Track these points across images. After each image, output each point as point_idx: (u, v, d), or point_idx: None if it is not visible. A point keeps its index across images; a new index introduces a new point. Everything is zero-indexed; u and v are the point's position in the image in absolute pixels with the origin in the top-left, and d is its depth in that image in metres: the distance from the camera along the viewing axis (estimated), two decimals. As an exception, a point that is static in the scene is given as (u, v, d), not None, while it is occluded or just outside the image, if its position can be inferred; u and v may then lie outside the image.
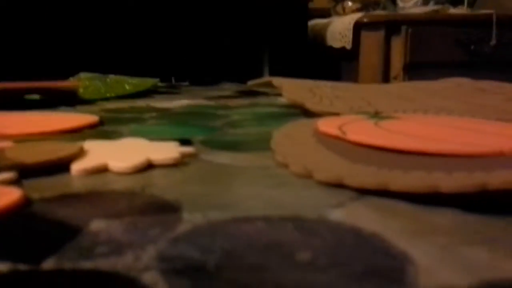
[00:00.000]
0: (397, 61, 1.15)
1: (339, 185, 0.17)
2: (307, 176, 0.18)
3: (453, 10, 1.20)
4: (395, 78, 1.15)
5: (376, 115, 0.27)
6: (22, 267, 0.11)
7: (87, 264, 0.11)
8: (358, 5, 1.26)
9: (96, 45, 0.92)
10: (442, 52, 1.15)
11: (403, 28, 1.13)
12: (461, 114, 0.29)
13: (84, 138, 0.24)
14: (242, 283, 0.10)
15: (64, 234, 0.13)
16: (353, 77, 1.17)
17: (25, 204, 0.15)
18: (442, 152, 0.18)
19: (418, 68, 1.13)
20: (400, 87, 0.45)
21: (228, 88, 0.60)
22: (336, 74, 1.22)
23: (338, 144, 0.21)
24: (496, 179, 0.14)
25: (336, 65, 1.25)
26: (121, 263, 0.11)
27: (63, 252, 0.12)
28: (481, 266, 0.11)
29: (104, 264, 0.11)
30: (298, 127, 0.25)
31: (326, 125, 0.23)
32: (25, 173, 0.18)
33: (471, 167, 0.16)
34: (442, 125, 0.24)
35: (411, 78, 1.12)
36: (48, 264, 0.11)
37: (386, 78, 1.16)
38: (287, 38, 1.09)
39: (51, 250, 0.12)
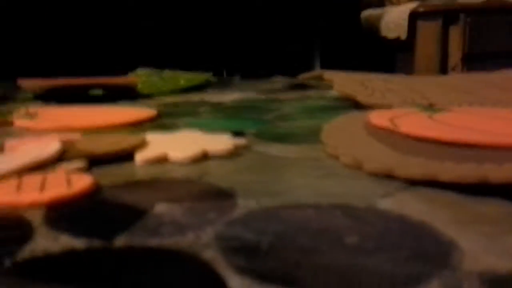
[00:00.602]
0: (455, 52, 1.11)
1: (389, 176, 0.17)
2: (357, 167, 0.18)
3: (514, -2, 1.15)
4: (453, 69, 1.12)
5: (430, 108, 0.27)
6: (96, 244, 0.12)
7: (153, 242, 0.12)
8: (413, -6, 1.22)
9: (152, 41, 0.95)
10: (503, 42, 1.10)
11: (462, 17, 1.09)
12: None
13: (145, 130, 0.25)
14: (293, 263, 0.11)
15: (131, 216, 0.14)
16: (409, 69, 1.14)
17: (96, 189, 0.17)
18: (494, 144, 0.18)
19: (477, 59, 1.09)
20: (456, 79, 0.44)
21: (279, 81, 0.60)
22: (390, 66, 1.20)
23: (389, 137, 0.21)
24: None
25: (390, 56, 1.22)
26: (184, 241, 0.12)
27: (132, 231, 0.13)
28: (526, 253, 0.11)
29: (168, 242, 0.12)
30: (349, 119, 0.25)
31: (378, 118, 0.24)
32: (94, 162, 0.20)
33: (522, 158, 0.16)
34: (497, 117, 0.24)
35: (470, 69, 1.08)
36: (119, 241, 0.13)
37: (443, 69, 1.12)
38: (340, 30, 1.08)
39: (121, 229, 0.13)
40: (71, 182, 0.16)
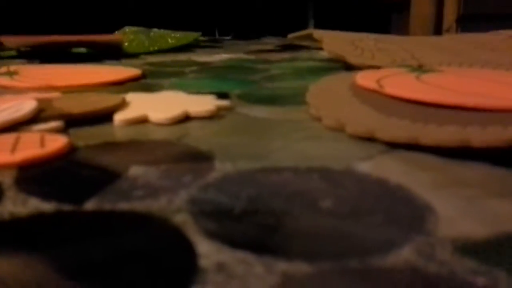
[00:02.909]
0: (450, 13, 1.10)
1: (371, 139, 0.17)
2: (340, 129, 0.18)
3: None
4: (448, 31, 1.10)
5: (419, 68, 0.27)
6: (66, 207, 0.12)
7: (124, 206, 0.12)
8: (410, -47, 1.19)
9: (141, 0, 0.93)
10: (498, 4, 1.08)
11: (458, -23, 1.07)
12: (509, 68, 0.28)
13: (127, 91, 0.25)
14: (266, 227, 0.11)
15: (104, 178, 0.14)
16: (403, 30, 1.13)
17: (71, 150, 0.16)
18: (480, 107, 0.18)
19: (473, 20, 1.07)
20: (447, 40, 0.43)
21: (270, 42, 0.59)
22: (385, 27, 1.18)
23: (375, 98, 0.21)
24: None
25: (385, 17, 1.21)
26: (155, 205, 0.12)
27: (103, 194, 0.13)
28: (503, 218, 0.11)
29: (140, 205, 0.12)
30: (336, 80, 0.25)
31: (364, 79, 0.23)
32: (71, 122, 0.19)
33: (508, 122, 0.15)
34: (485, 79, 0.23)
35: (464, 31, 1.07)
36: (90, 205, 0.12)
37: (438, 31, 1.11)
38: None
39: (93, 192, 0.13)
40: (44, 142, 0.16)
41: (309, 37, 0.40)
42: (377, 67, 0.28)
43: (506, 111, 0.17)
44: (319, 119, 0.19)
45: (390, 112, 0.18)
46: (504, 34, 0.43)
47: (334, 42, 0.36)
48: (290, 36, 0.46)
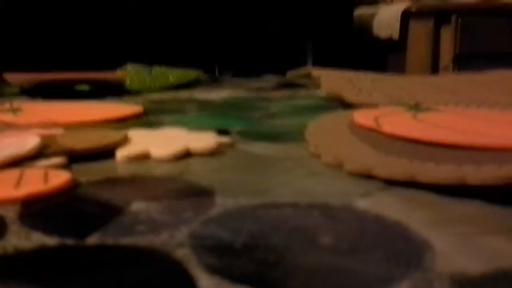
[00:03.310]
0: (446, 52, 1.12)
1: (369, 176, 0.17)
2: (338, 166, 0.18)
3: (506, -1, 1.16)
4: (444, 69, 1.12)
5: (415, 107, 0.27)
6: (68, 241, 0.12)
7: (127, 240, 0.12)
8: (406, -6, 1.23)
9: (143, 37, 0.95)
10: (494, 43, 1.11)
11: (453, 17, 1.10)
12: (504, 107, 0.29)
13: (129, 127, 0.25)
14: (265, 263, 0.11)
15: (107, 213, 0.14)
16: (400, 69, 1.14)
17: (73, 186, 0.16)
18: (475, 145, 0.18)
19: (469, 60, 1.09)
20: (444, 79, 0.44)
21: (270, 80, 0.60)
22: (382, 65, 1.20)
23: (373, 136, 0.21)
24: None
25: (382, 56, 1.23)
26: (158, 240, 0.12)
27: (106, 229, 0.13)
28: (499, 254, 0.11)
29: (142, 240, 0.12)
30: (334, 118, 0.25)
31: (362, 117, 0.24)
32: (74, 158, 0.20)
33: (503, 160, 0.16)
34: (481, 118, 0.24)
35: (461, 70, 1.08)
36: (92, 239, 0.12)
37: (435, 69, 1.13)
38: (332, 28, 1.08)
39: (95, 227, 0.13)
40: (48, 178, 0.16)
41: (308, 75, 0.41)
42: (374, 105, 0.29)
43: (501, 149, 0.17)
44: (318, 156, 0.20)
45: (387, 150, 0.19)
46: (497, 74, 0.44)
47: (331, 80, 0.37)
48: (289, 74, 0.47)
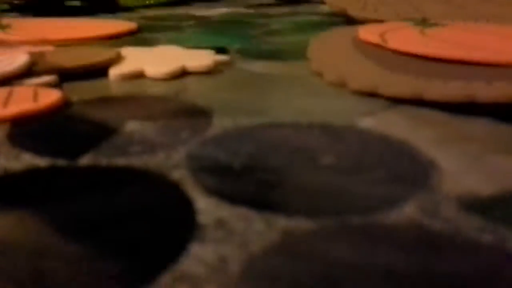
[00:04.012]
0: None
1: (374, 95, 0.16)
2: (342, 85, 0.17)
3: None
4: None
5: (423, 22, 0.26)
6: (60, 162, 0.12)
7: (121, 161, 0.12)
8: None
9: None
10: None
11: None
12: (515, 22, 0.27)
13: (122, 45, 0.24)
14: (265, 183, 0.11)
15: (100, 133, 0.14)
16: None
17: (65, 105, 0.16)
18: (486, 61, 0.17)
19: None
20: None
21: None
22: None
23: (378, 53, 0.20)
24: None
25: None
26: (153, 161, 0.12)
27: (99, 150, 0.12)
28: (509, 174, 0.11)
29: (137, 161, 0.12)
30: (338, 35, 0.24)
31: (367, 33, 0.22)
32: (65, 76, 0.19)
33: (512, 76, 0.15)
34: (491, 33, 0.23)
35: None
36: (85, 160, 0.12)
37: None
38: None
39: (88, 148, 0.13)
40: (38, 97, 0.16)
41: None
42: (380, 21, 0.28)
43: (510, 66, 0.17)
44: (320, 75, 0.19)
45: (393, 67, 0.18)
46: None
47: (336, -5, 0.35)
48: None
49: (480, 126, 0.14)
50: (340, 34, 0.24)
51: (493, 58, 0.17)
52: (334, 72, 0.18)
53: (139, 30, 0.30)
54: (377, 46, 0.21)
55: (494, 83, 0.15)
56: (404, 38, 0.22)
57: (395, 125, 0.14)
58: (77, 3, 0.43)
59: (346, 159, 0.12)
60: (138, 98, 0.17)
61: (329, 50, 0.21)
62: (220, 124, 0.14)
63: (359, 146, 0.13)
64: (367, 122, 0.14)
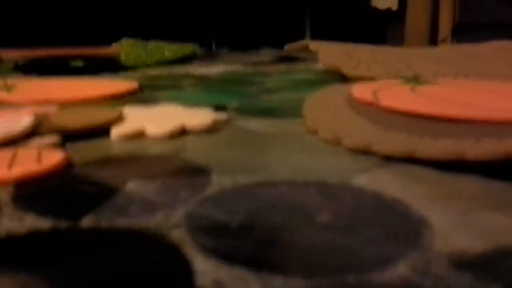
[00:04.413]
0: (445, 22, 1.10)
1: (367, 152, 0.17)
2: (336, 142, 0.18)
3: (507, -33, 1.13)
4: (444, 41, 1.11)
5: (414, 80, 0.27)
6: (62, 224, 0.12)
7: (122, 222, 0.12)
8: (405, -36, 1.20)
9: (139, 11, 0.93)
10: (494, 12, 1.09)
11: (452, -14, 1.08)
12: (503, 78, 0.28)
13: (124, 104, 0.25)
14: (263, 242, 0.11)
15: (101, 194, 0.14)
16: (399, 41, 1.13)
17: (67, 166, 0.16)
18: (475, 118, 0.18)
19: (468, 30, 1.08)
20: (443, 51, 0.43)
21: (267, 54, 0.59)
22: (381, 37, 1.19)
23: (371, 110, 0.21)
24: None
25: (381, 28, 1.21)
26: (153, 221, 0.12)
27: (100, 211, 0.13)
28: (498, 231, 0.11)
29: (137, 222, 0.12)
30: (332, 92, 0.25)
31: (360, 91, 0.23)
32: (68, 136, 0.19)
33: (503, 134, 0.15)
34: (480, 90, 0.24)
35: (460, 40, 1.07)
36: (87, 221, 0.12)
37: (433, 41, 1.11)
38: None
39: (89, 209, 0.13)
40: (41, 158, 0.16)
41: (306, 48, 0.41)
42: (373, 79, 0.29)
43: (501, 123, 0.17)
44: (315, 132, 0.19)
45: (386, 125, 0.19)
46: (499, 44, 0.43)
47: (329, 53, 0.36)
48: (287, 47, 0.46)
49: (470, 183, 0.14)
50: (334, 92, 0.25)
51: (483, 115, 0.18)
52: (328, 130, 0.19)
53: (140, 89, 0.31)
54: (370, 104, 0.21)
55: (484, 140, 0.15)
56: (396, 96, 0.22)
57: (388, 183, 0.14)
58: (80, 64, 0.44)
59: (341, 217, 0.12)
60: (139, 158, 0.18)
61: (323, 108, 0.22)
62: (218, 182, 0.15)
63: (353, 204, 0.13)
64: (361, 180, 0.15)
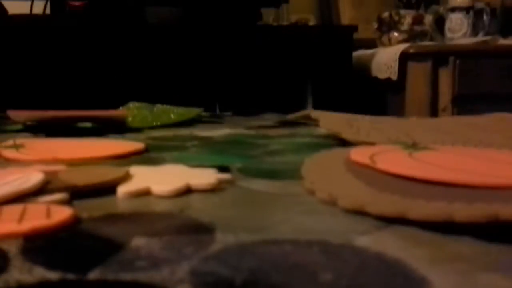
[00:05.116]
0: (445, 94, 1.13)
1: (365, 213, 0.17)
2: (332, 203, 0.18)
3: (502, 41, 1.18)
4: (444, 110, 1.13)
5: (413, 146, 0.28)
6: (70, 276, 0.12)
7: (127, 276, 0.12)
8: (404, 36, 1.25)
9: (146, 76, 0.97)
10: (492, 84, 1.12)
11: (451, 59, 1.11)
12: (499, 147, 0.29)
13: (131, 164, 0.25)
14: (265, 299, 0.11)
15: (108, 249, 0.14)
16: (400, 110, 1.16)
17: (75, 222, 0.17)
18: (468, 183, 0.18)
19: (467, 101, 1.10)
20: (442, 121, 0.44)
21: (270, 118, 0.61)
22: (382, 106, 1.21)
23: (367, 173, 0.21)
24: (509, 210, 0.14)
25: (382, 97, 1.24)
26: (158, 276, 0.12)
27: (107, 265, 0.13)
28: (496, 292, 0.11)
29: (142, 276, 0.12)
30: (330, 155, 0.26)
31: (358, 154, 0.24)
32: (76, 194, 0.20)
33: (493, 198, 0.16)
34: (476, 157, 0.24)
35: (460, 111, 1.09)
36: (93, 275, 0.12)
37: (434, 111, 1.13)
38: (332, 69, 1.10)
39: (96, 263, 0.13)
40: (50, 213, 0.17)
41: (308, 117, 0.42)
42: (372, 144, 0.29)
43: (491, 188, 0.18)
44: (313, 193, 0.20)
45: (381, 187, 0.19)
46: (494, 116, 0.44)
47: (331, 121, 0.37)
48: (290, 116, 0.47)
49: (468, 245, 0.14)
50: (332, 155, 0.26)
51: (475, 180, 0.18)
52: (325, 190, 0.19)
53: (146, 149, 0.32)
54: (367, 167, 0.22)
55: (473, 204, 0.16)
56: (393, 160, 0.23)
57: (389, 244, 0.15)
58: (88, 125, 0.45)
59: (344, 276, 0.12)
60: (145, 215, 0.18)
61: (321, 170, 0.23)
62: (222, 240, 0.15)
63: (355, 264, 0.13)
64: (362, 241, 0.15)
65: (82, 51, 0.97)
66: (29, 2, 1.05)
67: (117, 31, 0.97)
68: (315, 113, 0.40)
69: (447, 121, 0.44)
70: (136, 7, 1.00)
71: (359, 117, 0.41)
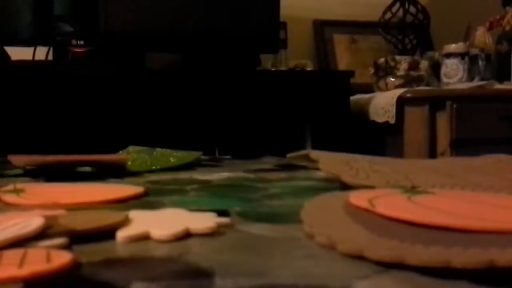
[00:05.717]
0: (443, 137, 1.14)
1: (364, 257, 0.17)
2: (331, 247, 0.18)
3: (499, 86, 1.20)
4: (442, 154, 1.14)
5: (411, 190, 0.28)
6: (69, 322, 0.12)
7: (125, 322, 0.12)
8: (400, 81, 1.27)
9: (146, 121, 0.98)
10: (489, 129, 1.13)
11: (448, 103, 1.13)
12: (498, 190, 0.29)
13: (130, 208, 0.25)
14: None
15: (107, 294, 0.14)
16: (398, 151, 1.16)
17: (75, 266, 0.17)
18: (465, 228, 0.19)
19: (465, 144, 1.11)
20: (441, 163, 0.45)
21: (269, 161, 0.61)
22: (380, 149, 1.22)
23: (366, 217, 0.22)
24: (505, 256, 0.14)
25: (380, 140, 1.25)
26: (156, 322, 0.12)
27: (105, 310, 0.13)
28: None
29: (141, 322, 0.12)
30: (330, 199, 0.26)
31: (357, 198, 0.24)
32: (76, 238, 0.20)
33: (490, 243, 0.16)
34: (474, 201, 0.24)
35: (458, 154, 1.10)
36: (92, 320, 0.12)
37: (432, 154, 1.14)
38: (330, 113, 1.12)
39: (95, 308, 0.13)
40: (50, 258, 0.17)
41: (307, 157, 0.42)
42: (372, 187, 0.30)
43: (488, 232, 0.18)
44: (312, 237, 0.20)
45: (380, 231, 0.19)
46: (492, 158, 0.45)
47: (330, 162, 0.38)
48: (289, 156, 0.48)
49: (465, 289, 0.14)
50: (332, 199, 0.26)
51: (472, 225, 0.19)
52: (324, 234, 0.19)
53: (145, 193, 0.32)
54: (366, 210, 0.22)
55: (469, 249, 0.16)
56: (392, 204, 0.23)
57: None
58: (88, 169, 0.45)
59: (342, 320, 0.12)
60: (144, 260, 0.18)
61: (320, 214, 0.23)
62: (221, 285, 0.15)
63: (353, 308, 0.13)
64: (362, 285, 0.15)
65: (83, 97, 0.98)
66: (32, 49, 1.07)
67: (118, 76, 0.99)
68: (314, 154, 0.40)
69: (446, 162, 0.44)
70: (137, 54, 1.02)
71: (358, 157, 0.41)
